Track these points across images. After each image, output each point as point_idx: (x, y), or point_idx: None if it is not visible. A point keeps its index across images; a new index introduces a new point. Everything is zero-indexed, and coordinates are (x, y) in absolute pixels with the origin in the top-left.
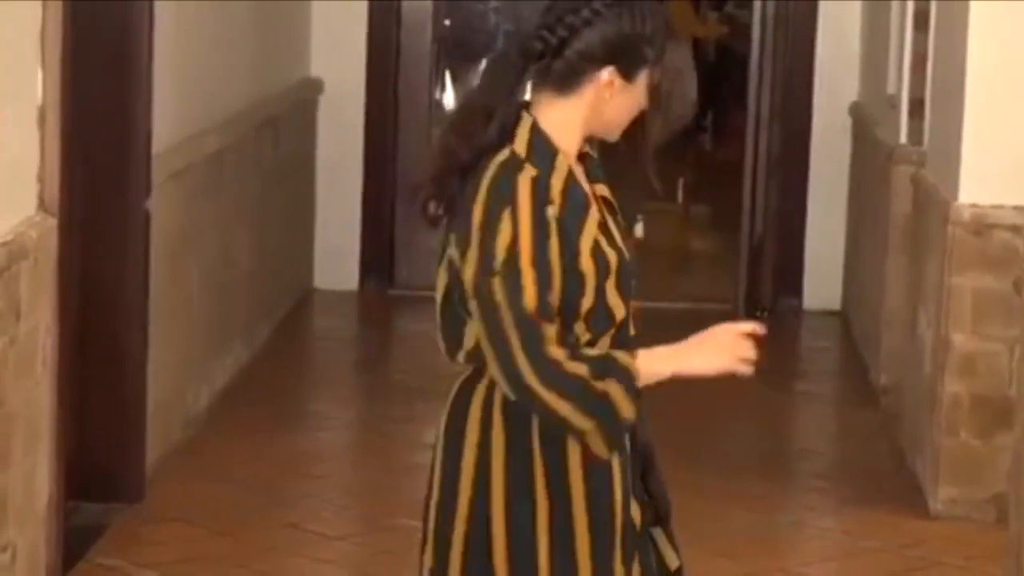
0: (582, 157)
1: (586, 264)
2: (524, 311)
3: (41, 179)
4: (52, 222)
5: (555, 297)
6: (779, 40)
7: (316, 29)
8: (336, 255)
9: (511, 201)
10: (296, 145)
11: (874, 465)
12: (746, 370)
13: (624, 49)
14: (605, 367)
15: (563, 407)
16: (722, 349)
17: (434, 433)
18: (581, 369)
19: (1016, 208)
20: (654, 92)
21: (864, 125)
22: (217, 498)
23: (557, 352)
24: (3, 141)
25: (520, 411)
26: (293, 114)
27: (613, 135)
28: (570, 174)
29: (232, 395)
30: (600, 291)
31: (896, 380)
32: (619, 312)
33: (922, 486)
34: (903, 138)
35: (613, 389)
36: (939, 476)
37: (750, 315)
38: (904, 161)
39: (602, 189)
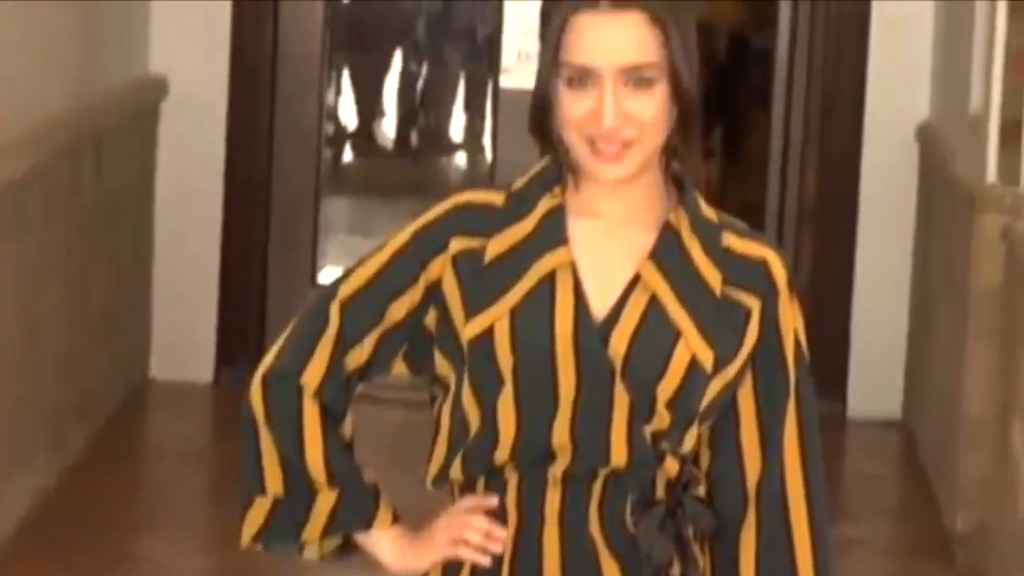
0: None
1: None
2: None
3: None
4: None
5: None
6: (817, 39)
7: (158, 9)
8: (183, 332)
9: None
10: (128, 171)
11: None
12: (474, 556)
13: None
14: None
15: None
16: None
17: None
18: (307, 420)
19: None
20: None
21: (936, 156)
22: None
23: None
24: None
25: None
26: (124, 127)
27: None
28: None
29: (32, 530)
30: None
31: (979, 522)
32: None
33: None
34: (991, 175)
35: (273, 488)
36: None
37: None
38: (993, 208)
39: None
